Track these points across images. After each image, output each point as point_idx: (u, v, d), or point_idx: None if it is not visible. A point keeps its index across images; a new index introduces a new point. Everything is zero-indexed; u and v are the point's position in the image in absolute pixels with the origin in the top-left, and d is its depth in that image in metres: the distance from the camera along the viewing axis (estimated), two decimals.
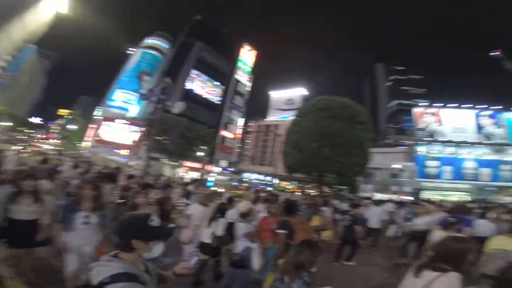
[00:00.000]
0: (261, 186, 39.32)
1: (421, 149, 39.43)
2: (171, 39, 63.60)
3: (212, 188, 12.71)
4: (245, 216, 3.87)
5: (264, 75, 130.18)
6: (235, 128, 62.48)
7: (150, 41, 61.08)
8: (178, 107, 25.69)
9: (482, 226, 5.38)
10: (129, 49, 64.14)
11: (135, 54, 59.61)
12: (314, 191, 24.89)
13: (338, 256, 6.14)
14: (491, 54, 79.37)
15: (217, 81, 61.47)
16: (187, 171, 41.11)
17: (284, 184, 48.92)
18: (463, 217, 5.20)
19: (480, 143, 38.44)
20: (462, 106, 41.09)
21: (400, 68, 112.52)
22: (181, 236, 4.16)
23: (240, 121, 64.14)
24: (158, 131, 26.22)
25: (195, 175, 36.36)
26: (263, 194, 8.60)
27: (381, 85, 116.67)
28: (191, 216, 4.19)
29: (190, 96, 52.83)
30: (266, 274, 3.18)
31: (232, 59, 64.72)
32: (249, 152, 67.39)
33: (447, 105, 41.54)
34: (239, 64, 65.47)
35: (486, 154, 37.98)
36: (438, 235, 3.97)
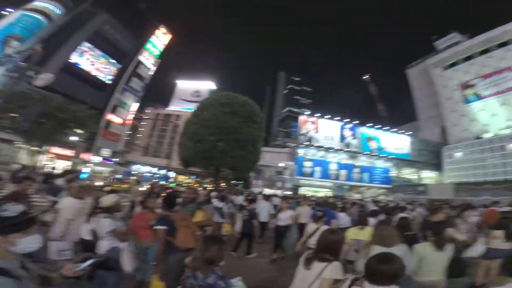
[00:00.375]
0: (154, 180, 36.41)
1: (301, 151, 46.71)
2: (70, 5, 49.29)
3: (85, 181, 10.41)
4: (110, 211, 3.26)
5: (173, 63, 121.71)
6: (126, 113, 54.63)
7: (38, 3, 45.13)
8: (42, 79, 20.21)
9: (342, 219, 6.43)
10: (7, 9, 45.29)
11: (10, 16, 42.79)
12: (211, 185, 24.99)
13: (235, 250, 6.29)
14: (363, 77, 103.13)
15: (114, 58, 52.34)
16: (53, 160, 32.71)
17: (182, 178, 46.96)
18: (328, 211, 6.10)
19: (341, 150, 49.18)
20: (334, 118, 51.29)
21: (296, 79, 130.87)
22: (49, 233, 3.55)
23: (134, 106, 56.66)
24: (15, 107, 20.42)
25: (66, 164, 29.53)
26: (157, 189, 8.15)
27: (280, 91, 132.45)
28: (61, 210, 3.65)
29: (73, 71, 43.41)
30: (148, 275, 3.04)
31: (141, 38, 57.50)
32: (141, 142, 60.79)
33: (324, 116, 50.82)
34: (148, 45, 58.86)
35: (345, 159, 48.98)
36: (311, 227, 4.51)
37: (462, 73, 58.36)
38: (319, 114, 50.87)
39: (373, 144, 52.01)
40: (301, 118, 50.63)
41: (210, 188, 20.15)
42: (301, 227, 7.84)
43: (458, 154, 53.13)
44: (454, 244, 4.86)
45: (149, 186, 11.88)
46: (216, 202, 7.40)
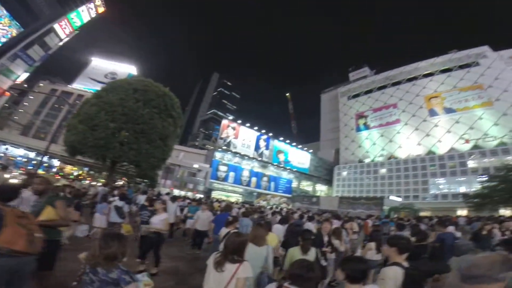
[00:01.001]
0: (31, 167, 29.17)
1: (218, 155, 46.51)
2: None
3: None
4: None
5: (97, 39, 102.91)
6: (11, 82, 42.99)
7: None
8: None
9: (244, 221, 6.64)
10: None
11: None
12: (105, 180, 21.23)
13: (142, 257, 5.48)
14: (286, 94, 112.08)
15: (19, 21, 41.62)
16: None
17: (70, 168, 38.64)
18: (227, 215, 6.15)
19: (255, 158, 51.60)
20: (253, 127, 53.54)
21: (229, 83, 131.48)
22: None
23: (23, 76, 45.06)
24: None
25: None
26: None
27: (210, 92, 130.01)
28: None
29: None
30: None
31: (67, 6, 48.47)
32: (22, 119, 47.66)
33: (245, 124, 52.41)
34: (72, 15, 49.54)
35: (256, 167, 51.49)
36: (223, 231, 4.70)
37: (360, 104, 71.01)
38: (241, 121, 52.26)
39: (281, 157, 56.90)
40: (224, 122, 50.74)
41: (105, 184, 17.15)
42: (200, 234, 7.39)
43: (345, 173, 64.21)
44: (337, 254, 5.35)
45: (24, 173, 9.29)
46: (116, 201, 7.07)
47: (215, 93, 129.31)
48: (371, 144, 64.85)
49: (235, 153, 48.94)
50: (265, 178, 51.29)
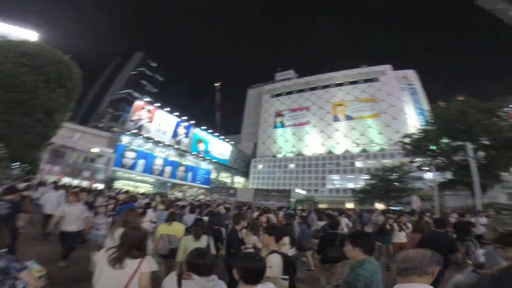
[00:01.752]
0: None
1: (126, 139, 40.64)
2: None
3: None
4: None
5: None
6: None
7: None
8: None
9: (149, 215, 6.59)
10: None
11: None
12: None
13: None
14: (215, 84, 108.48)
15: None
16: None
17: None
18: (132, 205, 5.70)
19: (171, 146, 47.75)
20: (173, 113, 49.16)
21: (153, 64, 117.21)
22: None
23: None
24: None
25: None
26: None
27: (128, 70, 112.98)
28: None
29: None
30: None
31: None
32: None
33: (163, 108, 47.52)
34: None
35: (172, 155, 47.81)
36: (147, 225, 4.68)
37: (281, 103, 76.36)
38: (159, 104, 47.20)
39: (201, 146, 54.93)
40: (138, 103, 44.72)
41: None
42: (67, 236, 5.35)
43: (260, 166, 67.77)
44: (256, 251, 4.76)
45: None
46: None
47: (135, 72, 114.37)
48: (284, 141, 70.53)
49: (148, 138, 43.90)
50: (181, 168, 48.28)
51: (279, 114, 75.13)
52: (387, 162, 41.10)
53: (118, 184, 35.89)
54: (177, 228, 4.51)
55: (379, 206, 33.75)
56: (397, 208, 28.04)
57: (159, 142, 45.71)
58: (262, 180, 65.13)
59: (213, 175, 56.54)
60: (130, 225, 2.55)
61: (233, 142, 65.92)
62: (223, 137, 63.43)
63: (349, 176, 56.33)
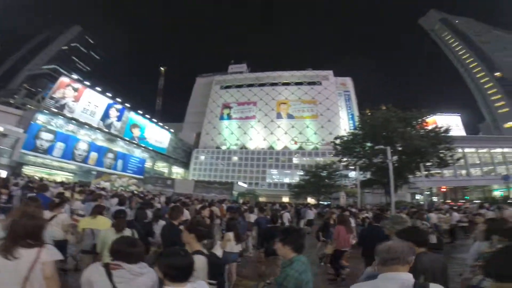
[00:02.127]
0: None
1: (42, 118, 34.12)
2: None
3: None
4: None
5: None
6: None
7: None
8: None
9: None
10: None
11: None
12: None
13: None
14: (160, 68, 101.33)
15: None
16: None
17: None
18: (42, 196, 5.36)
19: (99, 129, 42.16)
20: (105, 93, 43.38)
21: (91, 41, 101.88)
22: None
23: None
24: None
25: None
26: None
27: (60, 45, 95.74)
28: None
29: None
30: None
31: None
32: None
33: (94, 88, 41.62)
34: None
35: (100, 140, 42.29)
36: (47, 215, 3.93)
37: (229, 95, 75.68)
38: (89, 84, 41.26)
39: (136, 132, 50.26)
40: (63, 79, 38.53)
41: None
42: None
43: (202, 157, 66.01)
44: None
45: None
46: None
47: (66, 47, 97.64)
48: (230, 133, 70.28)
49: (71, 119, 37.78)
50: (110, 155, 43.03)
51: (226, 106, 74.47)
52: (320, 160, 45.09)
53: (28, 171, 29.93)
54: (102, 222, 4.13)
55: (311, 200, 36.82)
56: (326, 203, 30.99)
57: (85, 124, 39.84)
58: (203, 171, 63.60)
59: (148, 164, 52.28)
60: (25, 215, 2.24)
61: (172, 130, 62.30)
62: (162, 124, 59.29)
63: (286, 172, 59.73)
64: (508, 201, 28.40)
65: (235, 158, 64.09)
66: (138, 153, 50.32)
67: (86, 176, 36.48)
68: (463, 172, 50.07)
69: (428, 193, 41.68)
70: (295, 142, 64.44)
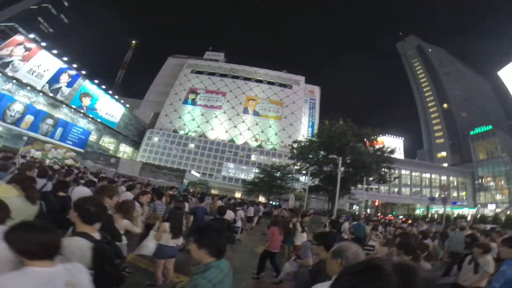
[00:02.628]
0: None
1: None
2: None
3: None
4: None
5: None
6: None
7: None
8: None
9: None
10: None
11: None
12: None
13: None
14: (132, 41, 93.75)
15: None
16: None
17: None
18: None
19: (42, 92, 36.95)
20: (62, 57, 39.03)
21: (65, 3, 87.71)
22: None
23: None
24: None
25: None
26: None
27: (28, 4, 79.50)
28: None
29: None
30: None
31: None
32: None
33: (51, 50, 37.27)
34: None
35: (41, 104, 37.05)
36: None
37: (199, 81, 73.08)
38: (45, 44, 37.07)
39: (86, 101, 45.31)
40: (17, 37, 34.79)
41: None
42: None
43: (156, 139, 62.49)
44: (129, 237, 3.96)
45: None
46: None
47: (36, 6, 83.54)
48: (191, 119, 67.86)
49: (12, 78, 32.51)
50: (50, 121, 37.69)
51: (193, 91, 71.87)
52: (276, 161, 46.31)
53: None
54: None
55: (262, 199, 37.64)
56: (274, 203, 31.95)
57: (28, 85, 34.59)
58: (154, 154, 60.27)
59: (92, 138, 47.31)
60: None
61: (128, 106, 57.74)
62: (118, 97, 54.51)
63: (243, 167, 59.97)
64: (426, 219, 32.65)
65: (191, 146, 62.04)
66: (83, 123, 45.29)
67: (14, 141, 31.52)
68: (396, 190, 56.34)
69: (364, 205, 46.06)
70: (256, 140, 65.08)
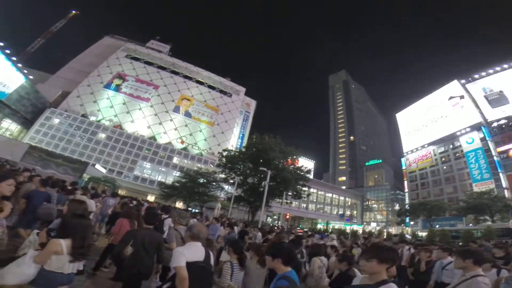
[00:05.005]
0: None
1: None
2: None
3: None
4: None
5: None
6: None
7: None
8: None
9: None
10: None
11: None
12: None
13: None
14: (72, 11, 74.51)
15: None
16: None
17: None
18: None
19: None
20: None
21: None
22: None
23: None
24: None
25: None
26: None
27: None
28: None
29: None
30: None
31: None
32: None
33: None
34: None
35: None
36: None
37: (132, 68, 65.71)
38: None
39: None
40: None
41: None
42: None
43: (57, 120, 51.25)
44: None
45: None
46: None
47: None
48: (108, 105, 59.00)
49: None
50: None
51: (121, 77, 63.36)
52: (202, 167, 44.28)
53: None
54: None
55: (180, 205, 34.79)
56: (195, 210, 29.98)
57: None
58: (50, 138, 48.97)
59: None
60: None
61: (32, 77, 45.98)
62: (21, 65, 42.78)
63: (162, 169, 54.94)
64: (326, 233, 36.58)
65: (102, 136, 53.24)
66: None
67: None
68: (304, 205, 62.26)
69: (277, 217, 48.74)
70: (182, 142, 61.31)
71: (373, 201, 75.34)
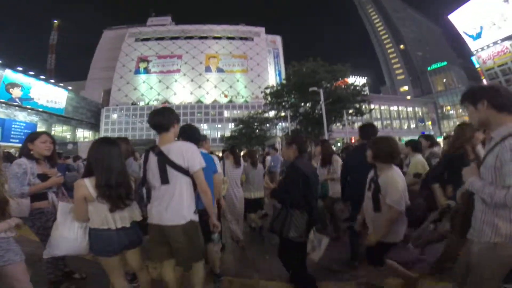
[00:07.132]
0: None
1: None
2: None
3: None
4: None
5: None
6: None
7: None
8: None
9: None
10: None
11: None
12: None
13: None
14: (54, 21, 76.75)
15: None
16: None
17: None
18: None
19: None
20: None
21: None
22: None
23: None
24: None
25: None
26: None
27: None
28: None
29: None
30: None
31: None
32: None
33: None
34: None
35: None
36: None
37: (147, 48, 65.29)
38: None
39: (17, 92, 39.06)
40: None
41: None
42: None
43: (115, 116, 56.87)
44: None
45: None
46: None
47: None
48: (148, 88, 61.85)
49: None
50: None
51: (143, 60, 64.24)
52: (251, 112, 44.41)
53: None
54: None
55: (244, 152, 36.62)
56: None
57: None
58: (118, 132, 55.18)
59: (41, 129, 41.57)
60: None
61: (70, 88, 50.46)
62: (54, 81, 47.11)
63: (217, 125, 57.60)
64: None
65: None
66: (23, 116, 39.49)
67: None
68: None
69: (340, 144, 47.20)
70: (226, 96, 61.84)
71: (449, 107, 64.27)
